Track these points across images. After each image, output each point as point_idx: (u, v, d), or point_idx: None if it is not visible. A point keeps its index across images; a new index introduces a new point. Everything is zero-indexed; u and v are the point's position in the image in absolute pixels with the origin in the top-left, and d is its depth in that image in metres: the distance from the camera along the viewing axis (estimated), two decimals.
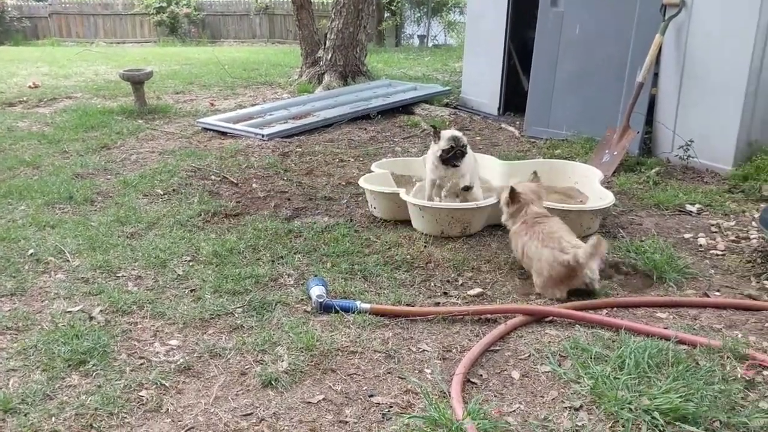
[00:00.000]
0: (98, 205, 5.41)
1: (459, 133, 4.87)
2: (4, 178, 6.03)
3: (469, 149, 4.88)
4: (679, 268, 4.13)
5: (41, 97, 10.18)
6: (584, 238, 4.66)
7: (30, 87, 11.15)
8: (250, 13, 25.51)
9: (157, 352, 3.28)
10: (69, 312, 3.64)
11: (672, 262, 4.17)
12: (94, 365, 3.12)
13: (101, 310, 3.66)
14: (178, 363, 3.17)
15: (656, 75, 6.69)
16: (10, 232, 4.71)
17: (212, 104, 10.01)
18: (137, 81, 9.12)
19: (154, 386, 2.98)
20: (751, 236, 4.75)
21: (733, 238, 4.77)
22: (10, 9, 24.88)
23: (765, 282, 4.06)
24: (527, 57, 8.24)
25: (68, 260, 4.31)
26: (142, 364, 3.18)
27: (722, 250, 4.55)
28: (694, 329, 3.47)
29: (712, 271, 4.24)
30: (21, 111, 9.26)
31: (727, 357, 3.15)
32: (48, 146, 7.20)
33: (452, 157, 4.75)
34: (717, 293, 3.93)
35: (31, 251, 4.42)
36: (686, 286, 4.02)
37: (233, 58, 16.33)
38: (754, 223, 4.92)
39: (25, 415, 2.76)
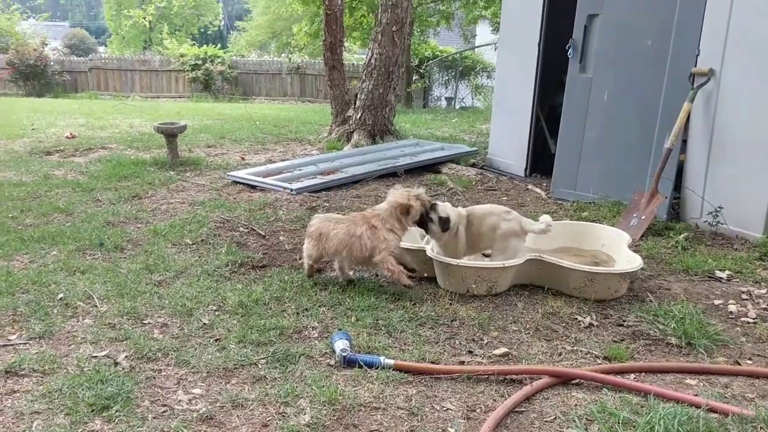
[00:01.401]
0: (128, 252, 5.49)
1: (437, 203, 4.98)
2: (39, 224, 6.16)
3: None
4: (710, 335, 4.06)
5: (77, 147, 10.47)
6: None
7: (67, 137, 11.48)
8: (282, 72, 26.21)
9: (180, 401, 3.27)
10: (95, 357, 3.66)
11: (702, 329, 4.10)
12: (117, 411, 3.12)
13: (126, 356, 3.68)
14: (201, 412, 3.15)
15: (684, 141, 6.70)
16: (41, 276, 4.79)
17: (243, 158, 10.20)
18: (171, 134, 9.35)
19: None
20: None
21: (764, 306, 4.68)
22: (52, 63, 25.87)
23: None
24: (554, 121, 8.34)
25: (96, 305, 4.36)
26: (164, 411, 3.17)
27: (753, 318, 4.46)
28: (725, 398, 3.39)
29: (743, 338, 4.15)
30: (57, 160, 9.52)
31: (761, 428, 3.06)
32: (81, 194, 7.37)
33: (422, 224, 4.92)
34: (749, 362, 3.84)
35: (61, 295, 4.48)
36: (717, 353, 3.93)
37: (264, 115, 16.70)
38: None
39: None
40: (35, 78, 25.12)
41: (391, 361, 3.60)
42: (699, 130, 6.55)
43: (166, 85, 26.58)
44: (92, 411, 3.11)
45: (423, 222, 4.86)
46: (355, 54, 27.87)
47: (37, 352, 3.69)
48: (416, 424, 3.12)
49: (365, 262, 4.77)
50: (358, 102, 11.41)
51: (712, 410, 3.20)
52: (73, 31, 39.05)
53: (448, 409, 3.26)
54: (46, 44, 27.97)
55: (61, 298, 4.44)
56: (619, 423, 3.06)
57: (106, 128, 13.14)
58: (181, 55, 26.37)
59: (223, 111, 17.70)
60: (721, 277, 5.21)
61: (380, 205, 4.87)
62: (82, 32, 39.25)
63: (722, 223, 6.18)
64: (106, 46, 41.17)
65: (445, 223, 4.83)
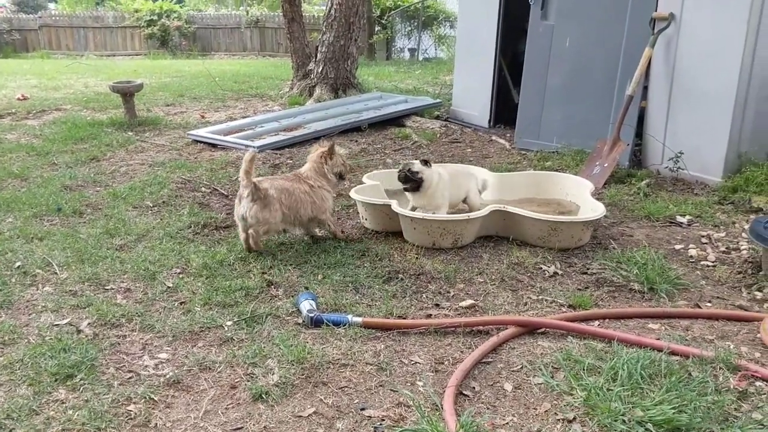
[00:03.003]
0: (87, 217, 5.37)
1: (413, 163, 5.03)
2: None
3: (439, 176, 4.99)
4: (671, 279, 4.14)
5: (30, 109, 10.14)
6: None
7: (19, 99, 11.10)
8: (240, 26, 25.57)
9: (146, 366, 3.24)
10: (56, 325, 3.59)
11: (663, 274, 4.18)
12: (81, 379, 3.07)
13: (89, 323, 3.62)
14: (168, 376, 3.13)
15: (646, 88, 6.73)
16: None
17: (203, 116, 9.99)
18: (127, 93, 9.10)
19: (143, 400, 2.94)
20: (742, 247, 4.76)
21: (723, 249, 4.78)
22: (0, 21, 24.85)
23: (756, 293, 4.06)
24: (518, 70, 8.29)
25: (56, 273, 4.27)
26: (130, 377, 3.13)
27: (713, 261, 4.56)
28: (686, 340, 3.47)
29: (703, 282, 4.25)
30: (9, 123, 9.21)
31: (720, 368, 3.14)
32: (36, 158, 7.16)
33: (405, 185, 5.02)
34: (708, 304, 3.94)
35: (18, 264, 4.37)
36: (678, 297, 4.02)
37: (224, 71, 16.33)
38: (744, 234, 4.94)
39: (11, 431, 2.71)
40: None
41: (359, 319, 3.60)
42: (660, 76, 6.57)
43: (122, 43, 25.74)
44: (56, 380, 3.06)
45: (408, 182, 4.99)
46: (315, 5, 27.26)
47: None
48: (385, 378, 3.14)
49: (309, 220, 4.76)
50: (319, 55, 11.20)
51: (673, 353, 3.28)
52: None
53: (416, 362, 3.28)
54: None
55: (18, 267, 4.33)
56: (584, 369, 3.11)
57: (60, 89, 12.73)
58: (136, 11, 25.48)
59: (182, 68, 17.27)
60: (681, 222, 5.30)
61: (304, 167, 4.90)
62: None
63: (683, 169, 6.26)
64: (56, 2, 39.61)
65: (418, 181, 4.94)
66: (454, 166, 5.65)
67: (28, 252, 4.57)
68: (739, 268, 4.41)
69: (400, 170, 5.04)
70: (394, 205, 4.85)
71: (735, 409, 2.84)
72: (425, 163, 4.99)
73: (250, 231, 4.52)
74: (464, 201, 5.27)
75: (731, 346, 3.38)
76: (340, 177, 4.97)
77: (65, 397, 2.95)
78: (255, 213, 4.44)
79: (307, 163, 4.90)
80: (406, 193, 5.07)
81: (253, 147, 7.51)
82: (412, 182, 4.95)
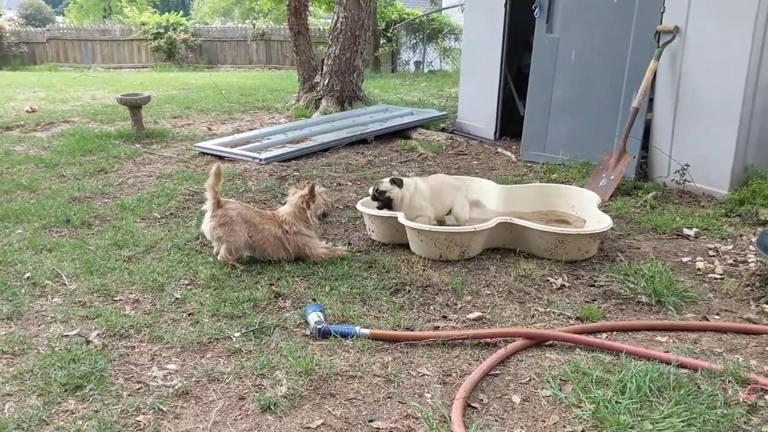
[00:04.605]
0: (95, 228, 5.39)
1: (382, 182, 5.09)
2: (1, 202, 6.02)
3: (415, 188, 5.07)
4: (678, 292, 4.14)
5: (38, 122, 10.20)
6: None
7: (27, 111, 11.17)
8: (247, 39, 25.72)
9: (155, 377, 3.25)
10: (66, 336, 3.61)
11: (671, 286, 4.18)
12: (90, 390, 3.08)
13: (98, 334, 3.63)
14: (176, 387, 3.14)
15: (651, 100, 6.75)
16: (6, 255, 4.69)
17: (210, 129, 10.04)
18: (135, 105, 9.15)
19: (152, 411, 2.95)
20: (749, 260, 4.76)
21: (731, 261, 4.78)
22: (8, 34, 25.06)
23: (764, 306, 4.06)
24: (523, 82, 8.32)
25: (65, 284, 4.29)
26: (139, 388, 3.14)
27: (720, 274, 4.55)
28: (694, 353, 3.46)
29: (711, 294, 4.24)
30: (18, 135, 9.27)
31: (729, 381, 3.14)
32: (45, 170, 7.21)
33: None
34: (716, 317, 3.93)
35: (28, 275, 4.40)
36: (686, 309, 4.01)
37: (230, 84, 16.42)
38: (751, 247, 4.93)
39: None
40: None
41: (367, 331, 3.61)
42: (665, 88, 6.59)
43: (129, 55, 25.91)
44: (65, 391, 3.08)
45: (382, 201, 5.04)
46: (321, 18, 27.41)
47: (5, 333, 3.63)
48: (393, 390, 3.14)
49: (281, 260, 4.69)
50: (325, 68, 11.25)
51: (681, 366, 3.27)
52: (28, 1, 37.70)
53: (424, 374, 3.28)
54: (1, 15, 27.06)
55: (28, 278, 4.36)
56: (592, 382, 3.11)
57: (68, 101, 12.81)
58: (143, 24, 25.68)
59: (188, 80, 17.36)
60: (689, 235, 5.30)
61: (283, 207, 4.85)
62: (38, 1, 37.92)
63: (689, 181, 6.26)
64: (63, 15, 39.90)
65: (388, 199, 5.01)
66: (440, 177, 5.57)
67: (38, 263, 4.59)
68: (747, 280, 4.40)
69: (372, 189, 5.13)
70: (401, 217, 4.86)
71: (744, 423, 2.83)
72: (393, 182, 5.04)
73: (216, 252, 4.58)
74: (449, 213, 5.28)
75: (740, 359, 3.38)
76: (324, 216, 4.97)
77: (75, 407, 2.96)
78: (211, 230, 4.53)
79: (286, 205, 4.84)
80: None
81: (260, 159, 7.56)
82: (380, 201, 5.03)
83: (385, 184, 5.03)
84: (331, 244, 4.99)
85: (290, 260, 4.67)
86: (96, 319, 3.80)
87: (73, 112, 11.28)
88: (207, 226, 4.57)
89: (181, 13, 27.65)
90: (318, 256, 4.69)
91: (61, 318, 3.82)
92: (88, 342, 3.55)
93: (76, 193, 6.28)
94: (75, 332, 3.65)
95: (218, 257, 4.55)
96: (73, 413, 2.92)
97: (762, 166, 6.11)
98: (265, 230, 4.59)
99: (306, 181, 5.03)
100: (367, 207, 5.15)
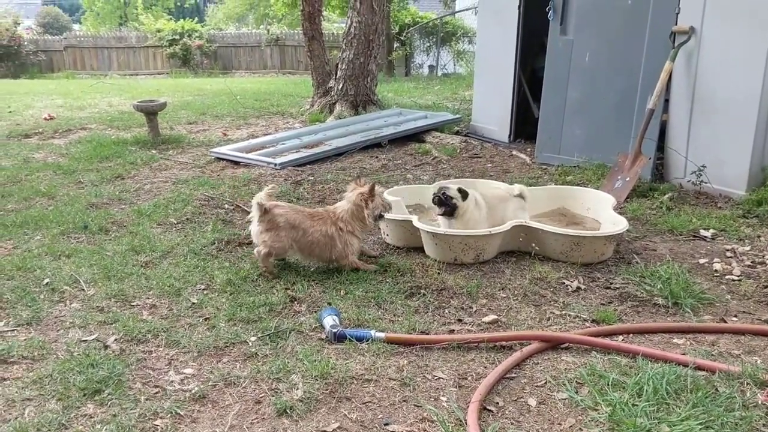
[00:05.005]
0: (113, 234, 5.45)
1: (449, 188, 4.99)
2: (20, 209, 6.09)
3: (476, 204, 5.00)
4: (695, 294, 4.11)
5: (56, 129, 10.31)
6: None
7: (45, 119, 11.30)
8: (261, 44, 25.85)
9: (172, 381, 3.27)
10: (84, 341, 3.65)
11: (688, 288, 4.15)
12: (109, 394, 3.12)
13: (116, 339, 3.67)
14: (193, 392, 3.16)
15: (667, 101, 6.71)
16: (26, 261, 4.75)
17: (225, 134, 10.10)
18: (151, 112, 9.23)
19: (169, 415, 2.97)
20: (767, 261, 4.71)
21: (748, 263, 4.73)
22: (26, 43, 25.38)
23: None
24: (537, 85, 8.30)
25: (83, 289, 4.34)
26: (156, 392, 3.17)
27: (738, 276, 4.51)
28: (712, 355, 3.44)
29: (729, 296, 4.20)
30: (36, 142, 9.38)
31: (747, 383, 3.11)
32: (63, 177, 7.29)
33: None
34: (734, 319, 3.90)
35: (47, 281, 4.45)
36: (703, 311, 3.98)
37: (245, 89, 16.51)
38: None
39: None
40: (9, 59, 24.62)
41: (382, 334, 3.61)
42: (681, 89, 6.54)
43: (144, 62, 26.15)
44: (84, 395, 3.11)
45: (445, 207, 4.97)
46: (335, 23, 27.50)
47: (25, 339, 3.67)
48: (408, 394, 3.14)
49: (328, 260, 4.65)
50: (339, 72, 11.29)
51: (699, 368, 3.24)
52: (46, 9, 38.10)
53: (439, 378, 3.28)
54: (19, 23, 27.37)
55: (47, 283, 4.41)
56: (608, 385, 3.10)
57: (85, 108, 12.94)
58: (158, 30, 25.92)
59: (203, 86, 17.48)
60: (705, 236, 5.26)
61: (340, 203, 4.73)
62: (55, 10, 38.36)
63: (706, 182, 6.22)
64: (80, 23, 40.29)
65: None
66: (495, 191, 5.39)
67: (56, 269, 4.65)
68: (765, 282, 4.36)
69: (434, 193, 5.02)
70: (416, 221, 4.87)
71: (763, 425, 2.80)
72: (460, 191, 4.94)
73: (255, 252, 4.54)
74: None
75: (758, 362, 3.34)
76: (380, 218, 4.74)
77: (93, 411, 3.00)
78: (258, 234, 4.52)
79: (344, 202, 4.70)
80: (439, 217, 5.07)
81: (275, 164, 7.60)
82: (447, 206, 4.94)
83: (453, 190, 4.93)
84: (365, 259, 4.87)
85: (330, 260, 4.61)
86: (114, 324, 3.84)
87: (90, 119, 11.40)
88: (254, 230, 4.57)
89: (196, 19, 27.95)
90: (351, 264, 4.60)
91: (79, 323, 3.86)
92: (106, 347, 3.59)
93: (93, 200, 6.34)
94: (93, 337, 3.69)
95: (255, 254, 4.53)
96: (91, 417, 2.95)
97: None
98: (316, 231, 4.51)
99: (366, 179, 4.94)
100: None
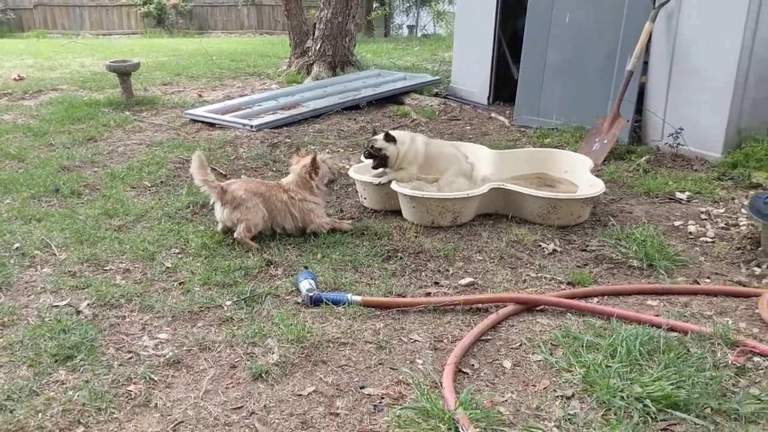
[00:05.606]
0: (85, 197, 5.35)
1: (376, 139, 4.95)
2: None
3: (411, 142, 4.96)
4: (670, 256, 4.14)
5: (26, 90, 10.05)
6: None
7: (14, 79, 11.01)
8: (238, 3, 25.31)
9: (146, 346, 3.24)
10: (56, 306, 3.60)
11: (662, 250, 4.18)
12: (81, 360, 3.08)
13: (88, 304, 3.62)
14: (167, 357, 3.14)
15: (646, 63, 6.68)
16: None
17: (200, 95, 9.92)
18: (124, 72, 9.01)
19: (143, 380, 2.95)
20: (741, 223, 4.76)
21: (722, 225, 4.78)
22: None
23: (754, 268, 4.07)
24: (517, 46, 8.22)
25: (55, 254, 4.26)
26: (130, 358, 3.14)
27: (712, 237, 4.55)
28: (684, 316, 3.48)
29: (702, 258, 4.24)
30: (5, 104, 9.14)
31: (718, 344, 3.16)
32: (33, 139, 7.12)
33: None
34: (707, 280, 3.94)
35: (17, 245, 4.36)
36: (677, 273, 4.02)
37: (221, 49, 16.19)
38: (743, 210, 4.93)
39: (11, 412, 2.72)
40: None
41: (358, 298, 3.60)
42: (660, 51, 6.52)
43: (118, 22, 25.49)
44: (56, 361, 3.07)
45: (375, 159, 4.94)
46: None
47: None
48: (385, 357, 3.15)
49: (295, 229, 4.59)
50: (316, 32, 11.09)
51: (672, 329, 3.28)
52: None
53: (415, 340, 3.29)
54: None
55: (17, 248, 4.32)
56: (582, 346, 3.13)
57: (56, 68, 12.61)
58: None
59: (178, 47, 17.11)
60: (681, 199, 5.29)
61: (287, 177, 4.69)
62: None
63: (683, 145, 6.23)
64: None
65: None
66: (442, 146, 5.33)
67: (27, 233, 4.56)
68: (738, 244, 4.41)
69: (364, 148, 5.00)
70: (394, 184, 4.83)
71: (733, 385, 2.86)
72: (388, 138, 4.90)
73: (235, 234, 4.41)
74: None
75: (730, 322, 3.39)
76: (331, 183, 4.77)
77: (65, 377, 2.96)
78: (228, 215, 4.39)
79: (290, 175, 4.68)
80: (375, 172, 5.03)
81: (251, 125, 7.49)
82: (376, 159, 4.91)
83: (380, 141, 4.91)
84: (337, 217, 4.91)
85: (298, 229, 4.56)
86: (86, 289, 3.79)
87: (61, 80, 11.12)
88: (222, 214, 4.43)
89: None
90: (320, 226, 4.57)
91: (50, 288, 3.80)
92: (78, 312, 3.54)
93: (65, 162, 6.21)
94: (65, 302, 3.64)
95: (236, 236, 4.39)
96: (63, 384, 2.92)
97: (756, 130, 6.09)
98: (273, 197, 4.49)
99: (306, 149, 4.91)
100: (359, 174, 5.11)
